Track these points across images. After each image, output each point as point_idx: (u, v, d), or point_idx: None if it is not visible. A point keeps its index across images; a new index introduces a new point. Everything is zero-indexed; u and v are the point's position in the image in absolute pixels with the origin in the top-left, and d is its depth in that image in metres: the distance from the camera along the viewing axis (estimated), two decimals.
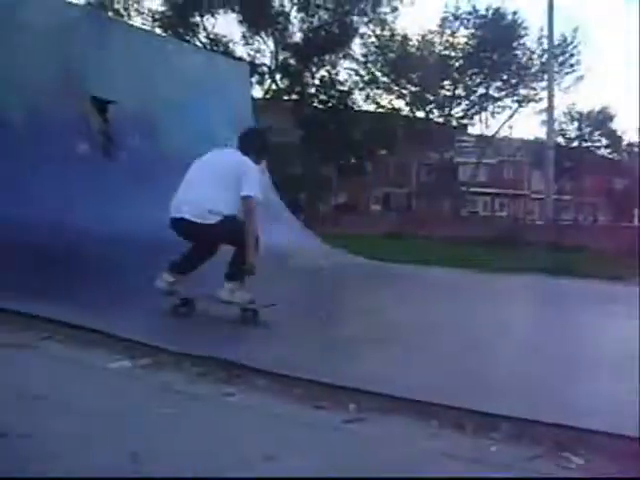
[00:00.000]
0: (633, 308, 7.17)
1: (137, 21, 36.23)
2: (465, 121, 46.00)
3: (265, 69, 39.68)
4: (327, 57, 39.48)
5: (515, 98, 44.05)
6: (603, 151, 57.59)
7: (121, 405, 3.33)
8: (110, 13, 33.58)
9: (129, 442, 2.81)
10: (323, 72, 39.57)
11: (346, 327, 6.03)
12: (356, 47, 41.62)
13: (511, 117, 45.91)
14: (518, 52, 42.04)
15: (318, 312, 6.88)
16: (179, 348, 4.22)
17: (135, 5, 38.67)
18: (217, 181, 5.72)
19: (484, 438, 3.08)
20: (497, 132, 48.25)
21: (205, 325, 5.58)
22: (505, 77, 42.80)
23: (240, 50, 39.31)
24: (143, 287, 5.99)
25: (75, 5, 12.71)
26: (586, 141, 55.73)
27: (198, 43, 36.85)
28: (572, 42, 41.22)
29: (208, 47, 36.01)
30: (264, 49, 39.81)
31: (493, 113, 45.40)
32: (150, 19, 38.15)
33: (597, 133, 55.87)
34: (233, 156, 5.93)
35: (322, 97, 38.41)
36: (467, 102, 44.60)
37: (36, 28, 8.94)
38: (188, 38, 36.65)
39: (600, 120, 54.61)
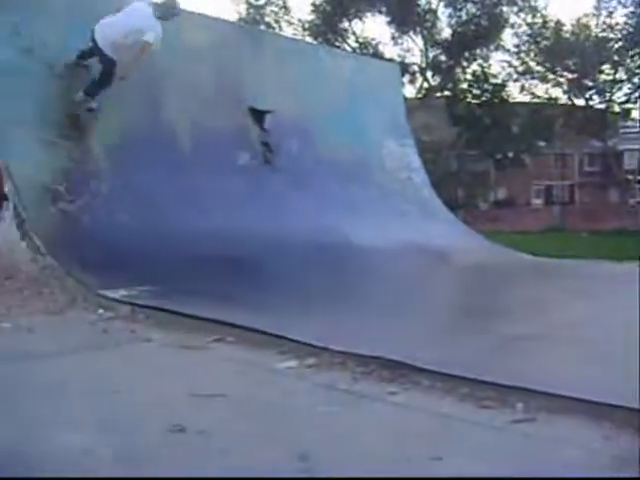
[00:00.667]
0: None
1: (288, 32, 37.26)
2: (628, 106, 43.55)
3: (416, 68, 39.55)
4: (478, 51, 38.76)
5: None
6: None
7: (289, 404, 3.45)
8: (262, 26, 34.72)
9: (298, 440, 2.91)
10: (475, 66, 38.94)
11: (512, 325, 5.89)
12: (507, 38, 40.58)
13: None
14: None
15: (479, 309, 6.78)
16: (344, 348, 4.29)
17: (285, 17, 39.78)
18: None
19: None
20: None
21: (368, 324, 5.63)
22: None
23: (390, 51, 39.68)
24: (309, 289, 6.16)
25: (228, 22, 13.24)
26: None
27: (348, 48, 37.31)
28: None
29: (358, 51, 36.37)
30: (413, 48, 39.71)
31: None
32: (300, 29, 39.11)
33: None
34: None
35: (475, 92, 37.78)
36: (629, 85, 42.19)
37: (193, 47, 9.39)
38: (338, 44, 37.21)
39: None
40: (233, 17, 35.05)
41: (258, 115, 10.24)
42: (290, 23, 39.59)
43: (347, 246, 9.10)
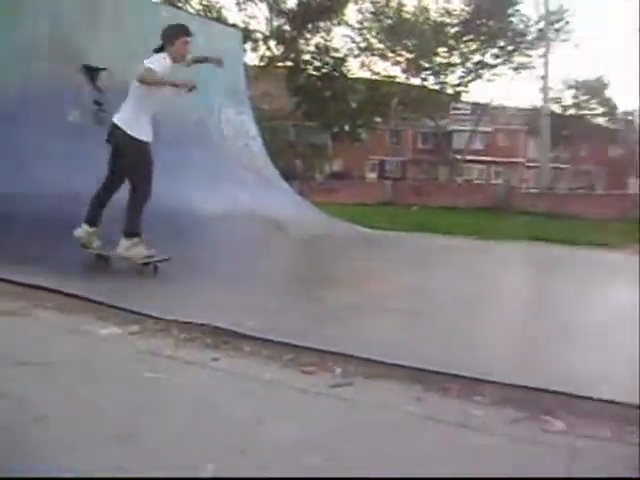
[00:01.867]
0: (627, 276, 7.24)
1: None
2: (461, 88, 45.71)
3: (259, 36, 39.35)
4: (322, 24, 39.14)
5: (511, 65, 43.76)
6: (599, 119, 57.44)
7: (112, 370, 3.38)
8: None
9: (125, 406, 2.87)
10: (318, 39, 39.29)
11: (339, 294, 6.06)
12: (351, 13, 41.32)
13: (507, 85, 45.73)
14: (514, 19, 41.71)
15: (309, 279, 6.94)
16: (168, 315, 4.24)
17: None
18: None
19: (468, 402, 3.13)
20: (493, 100, 48.13)
21: (197, 291, 5.59)
22: (501, 44, 42.49)
23: (234, 17, 38.99)
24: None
25: None
26: (582, 109, 55.58)
27: (191, 10, 36.48)
28: (568, 10, 40.96)
29: (201, 14, 35.64)
30: (258, 15, 39.47)
31: (489, 80, 45.23)
32: None
33: (593, 101, 55.66)
34: None
35: (317, 64, 38.18)
36: (463, 69, 44.27)
37: None
38: (181, 5, 36.27)
39: (596, 88, 54.41)
40: None
41: (91, 72, 9.80)
42: None
43: (183, 213, 8.96)
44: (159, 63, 6.04)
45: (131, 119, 6.08)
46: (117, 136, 6.09)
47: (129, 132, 6.04)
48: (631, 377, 3.48)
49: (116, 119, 6.14)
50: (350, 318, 4.93)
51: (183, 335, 3.98)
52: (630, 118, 55.56)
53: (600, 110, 56.31)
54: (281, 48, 39.62)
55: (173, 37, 6.34)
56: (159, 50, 6.27)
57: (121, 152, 6.11)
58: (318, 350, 3.73)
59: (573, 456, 2.64)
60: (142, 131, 6.14)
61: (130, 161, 6.12)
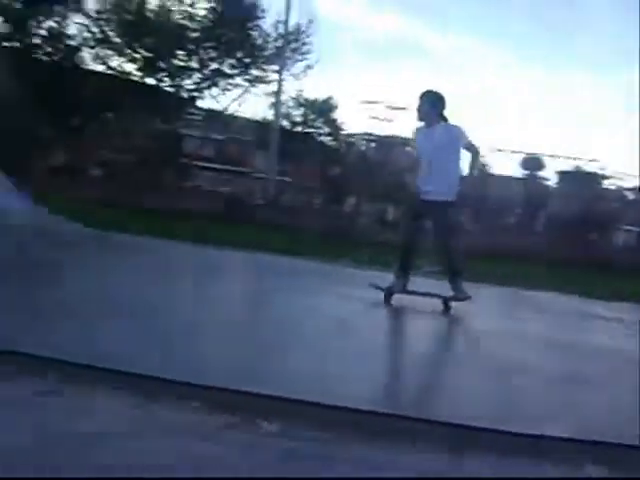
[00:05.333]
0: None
1: None
2: (196, 94, 45.86)
3: None
4: (57, 8, 37.14)
5: (247, 77, 44.82)
6: (324, 138, 60.60)
7: None
8: None
9: None
10: (51, 23, 37.18)
11: (48, 295, 5.82)
12: (90, 1, 39.71)
13: (241, 95, 46.71)
14: (254, 33, 42.83)
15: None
16: None
17: None
18: None
19: (185, 407, 3.16)
20: (226, 108, 48.85)
21: None
22: (239, 56, 43.36)
23: None
24: None
25: None
26: (310, 127, 58.32)
27: None
28: (306, 32, 42.90)
29: None
30: None
31: (224, 89, 45.87)
32: None
33: (320, 121, 58.63)
34: None
35: (48, 49, 36.12)
36: (200, 75, 44.49)
37: None
38: None
39: (324, 109, 57.41)
40: None
41: None
42: None
43: None
44: None
45: None
46: None
47: None
48: None
49: None
50: None
51: None
52: (352, 140, 59.40)
53: (326, 130, 59.47)
54: (9, 27, 36.98)
55: None
56: None
57: None
58: None
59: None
60: None
61: None
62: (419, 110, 8.36)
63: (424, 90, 8.25)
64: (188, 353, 4.39)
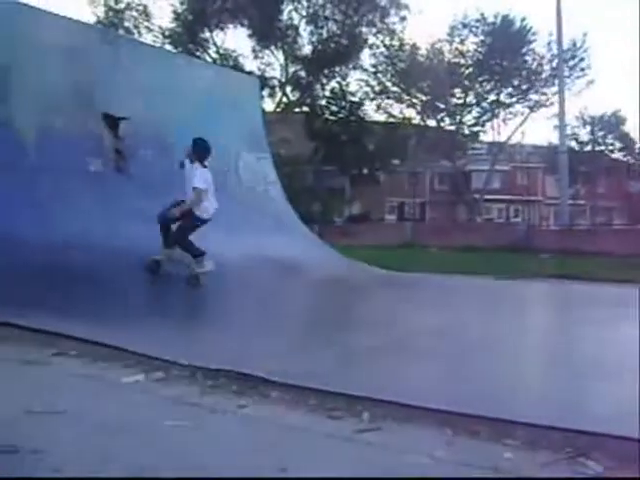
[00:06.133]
0: None
1: (147, 38, 36.61)
2: (477, 128, 45.88)
3: (275, 82, 39.90)
4: (337, 69, 39.63)
5: (526, 104, 43.97)
6: (616, 154, 57.27)
7: (135, 418, 3.33)
8: (120, 31, 33.88)
9: (142, 456, 2.82)
10: (333, 84, 39.79)
11: (362, 336, 6.00)
12: (366, 58, 41.81)
13: (523, 123, 45.88)
14: (528, 58, 42.02)
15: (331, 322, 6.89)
16: (193, 361, 4.21)
17: (145, 23, 39.07)
18: None
19: (499, 445, 3.05)
20: (509, 138, 48.22)
21: (219, 337, 5.56)
22: (516, 83, 42.74)
23: (250, 64, 39.65)
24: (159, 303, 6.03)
25: (86, 24, 12.84)
26: (599, 145, 55.50)
27: (208, 58, 37.09)
28: (581, 46, 41.21)
29: (218, 62, 36.21)
30: (274, 62, 40.09)
31: (504, 119, 45.38)
32: (161, 36, 38.53)
33: (610, 136, 55.59)
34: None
35: (333, 109, 38.54)
36: (478, 109, 44.54)
37: (48, 47, 9.01)
38: (198, 54, 36.92)
39: (612, 123, 54.38)
40: (91, 19, 34.05)
41: (112, 121, 9.94)
42: (150, 29, 38.96)
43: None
44: None
45: None
46: None
47: None
48: None
49: None
50: (375, 361, 4.87)
51: (209, 382, 3.94)
52: None
53: (617, 145, 56.17)
54: (297, 94, 40.10)
55: None
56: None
57: None
58: (344, 394, 3.66)
59: None
60: None
61: None
62: None
63: None
64: None
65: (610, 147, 56.31)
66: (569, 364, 5.06)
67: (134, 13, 38.87)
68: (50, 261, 6.93)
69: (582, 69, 41.55)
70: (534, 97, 43.32)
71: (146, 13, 38.98)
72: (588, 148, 54.48)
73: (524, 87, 42.78)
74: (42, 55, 8.95)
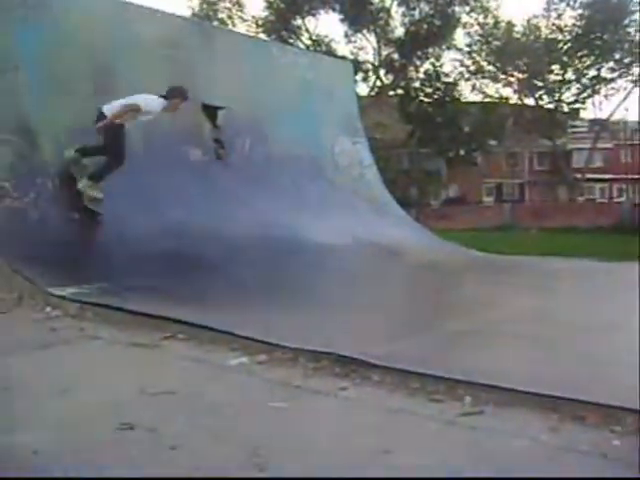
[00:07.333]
0: None
1: (241, 28, 37.12)
2: (577, 106, 44.36)
3: (369, 66, 39.76)
4: (430, 50, 39.13)
5: (629, 78, 42.16)
6: None
7: (241, 400, 3.45)
8: (215, 22, 34.50)
9: (249, 436, 2.92)
10: (427, 65, 39.30)
11: (461, 320, 5.96)
12: (459, 37, 41.09)
13: (626, 98, 44.16)
14: (630, 30, 40.25)
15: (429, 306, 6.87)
16: (295, 344, 4.29)
17: (239, 13, 39.67)
18: None
19: (606, 431, 2.99)
20: (611, 115, 46.47)
21: (320, 320, 5.63)
22: (618, 57, 41.07)
23: (343, 49, 39.62)
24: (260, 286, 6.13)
25: (181, 17, 13.16)
26: None
27: (301, 45, 37.31)
28: None
29: (311, 48, 36.37)
30: (367, 46, 39.94)
31: (606, 95, 43.70)
32: (254, 25, 39.02)
33: None
34: None
35: (428, 90, 38.07)
36: (578, 86, 43.00)
37: (145, 41, 9.29)
38: (291, 41, 37.20)
39: None
40: (186, 13, 34.83)
41: (211, 111, 10.17)
42: (243, 20, 39.53)
43: (298, 243, 9.09)
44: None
45: None
46: None
47: None
48: None
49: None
50: (475, 345, 4.83)
51: (311, 364, 4.01)
52: None
53: None
54: (391, 77, 39.87)
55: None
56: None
57: None
58: (445, 378, 3.66)
59: None
60: None
61: None
62: None
63: None
64: None
65: None
66: None
67: (227, 4, 39.58)
68: (160, 249, 7.21)
69: None
70: (638, 71, 41.55)
71: (239, 4, 39.64)
72: None
73: (627, 61, 41.01)
74: (144, 50, 9.23)
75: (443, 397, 3.44)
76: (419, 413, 3.24)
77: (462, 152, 38.64)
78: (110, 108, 7.40)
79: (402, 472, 2.58)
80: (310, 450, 2.81)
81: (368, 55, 39.91)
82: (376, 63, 39.71)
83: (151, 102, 7.56)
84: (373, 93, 38.93)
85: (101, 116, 7.38)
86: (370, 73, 39.78)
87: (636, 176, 55.16)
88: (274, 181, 10.24)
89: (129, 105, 7.40)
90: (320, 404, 3.45)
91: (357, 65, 34.13)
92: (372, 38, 39.53)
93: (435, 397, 3.44)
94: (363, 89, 38.00)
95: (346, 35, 39.33)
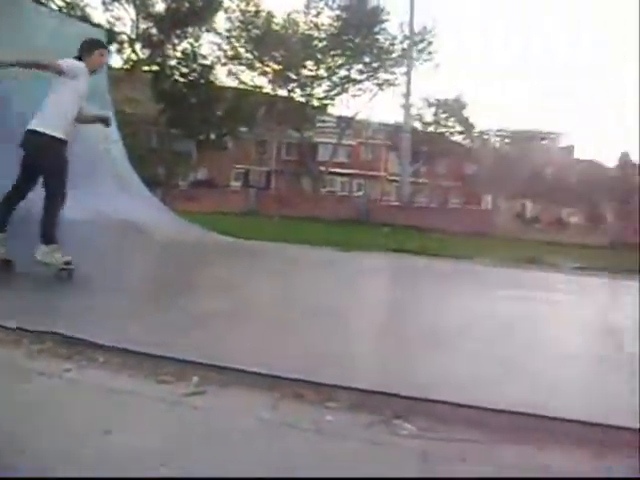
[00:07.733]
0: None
1: None
2: (326, 102, 46.53)
3: (125, 38, 38.50)
4: (190, 29, 38.81)
5: (375, 81, 45.03)
6: (457, 137, 59.91)
7: None
8: None
9: None
10: (185, 44, 38.90)
11: (201, 301, 6.02)
12: (220, 21, 41.22)
13: (371, 100, 47.05)
14: (380, 37, 42.96)
15: (169, 286, 6.86)
16: (18, 324, 4.07)
17: None
18: None
19: (323, 408, 3.19)
20: (357, 114, 49.26)
21: (49, 300, 5.40)
22: (367, 60, 43.63)
23: (99, 16, 38.05)
24: None
25: None
26: (441, 127, 57.79)
27: (53, 6, 35.18)
28: (431, 31, 42.66)
29: (65, 11, 34.45)
30: (125, 17, 38.65)
31: (354, 95, 46.29)
32: None
33: (452, 119, 57.98)
34: None
35: (184, 70, 37.77)
36: (329, 83, 45.15)
37: None
38: (44, 1, 34.94)
39: (455, 107, 56.75)
40: None
41: None
42: None
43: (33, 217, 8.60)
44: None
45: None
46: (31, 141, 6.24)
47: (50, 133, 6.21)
48: None
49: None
50: (211, 327, 4.90)
51: (36, 346, 3.83)
52: (485, 137, 58.39)
53: (458, 128, 58.71)
54: (147, 52, 38.95)
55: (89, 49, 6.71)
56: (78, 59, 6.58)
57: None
58: (176, 359, 3.68)
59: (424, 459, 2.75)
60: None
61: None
62: None
63: None
64: None
65: (451, 130, 58.76)
66: (393, 333, 5.33)
67: None
68: None
69: (430, 53, 43.07)
70: (383, 76, 44.45)
71: None
72: (431, 129, 56.60)
73: (374, 65, 43.76)
74: None
75: (171, 378, 3.45)
76: (145, 394, 3.22)
77: (213, 136, 38.83)
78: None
79: (120, 450, 2.55)
80: (26, 428, 2.69)
81: (125, 27, 38.70)
82: (133, 36, 38.59)
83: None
84: (127, 66, 37.77)
85: None
86: (125, 45, 38.57)
87: (374, 173, 59.19)
88: (8, 150, 9.56)
89: None
90: (44, 386, 3.31)
91: (112, 35, 32.91)
92: (131, 10, 38.39)
93: (164, 378, 3.44)
94: (117, 61, 36.77)
95: (104, 3, 37.84)
